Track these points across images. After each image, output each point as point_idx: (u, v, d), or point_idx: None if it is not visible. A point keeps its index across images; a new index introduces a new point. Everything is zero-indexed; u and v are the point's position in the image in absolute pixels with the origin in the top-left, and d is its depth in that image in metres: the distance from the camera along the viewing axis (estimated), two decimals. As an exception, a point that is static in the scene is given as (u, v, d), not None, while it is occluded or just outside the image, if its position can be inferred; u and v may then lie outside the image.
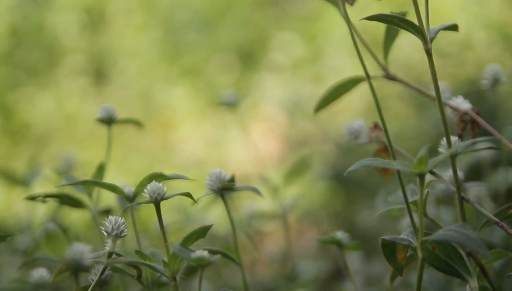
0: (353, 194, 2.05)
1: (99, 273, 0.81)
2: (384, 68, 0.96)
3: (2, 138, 3.13)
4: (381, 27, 0.95)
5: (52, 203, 1.25)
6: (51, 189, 1.25)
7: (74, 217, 1.39)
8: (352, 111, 2.23)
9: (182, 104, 3.16)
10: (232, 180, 0.89)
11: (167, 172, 0.91)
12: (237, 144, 2.69)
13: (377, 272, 1.32)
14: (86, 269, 0.72)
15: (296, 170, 1.35)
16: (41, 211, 1.54)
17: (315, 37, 3.04)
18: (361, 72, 0.95)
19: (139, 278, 0.85)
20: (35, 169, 1.32)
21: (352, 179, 1.95)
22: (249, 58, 3.20)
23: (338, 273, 1.38)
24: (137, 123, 1.05)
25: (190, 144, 2.98)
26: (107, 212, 1.04)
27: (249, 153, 2.40)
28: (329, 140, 2.09)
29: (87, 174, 1.18)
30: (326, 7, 3.15)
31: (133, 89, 3.27)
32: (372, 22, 0.85)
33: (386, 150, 0.95)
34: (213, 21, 3.39)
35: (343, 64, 2.71)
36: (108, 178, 1.11)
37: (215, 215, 1.40)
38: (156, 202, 0.80)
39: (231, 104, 1.26)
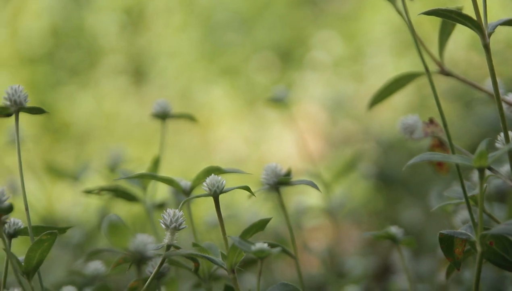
0: (394, 193, 2.04)
1: (158, 265, 0.82)
2: (439, 64, 0.96)
3: (43, 136, 3.17)
4: (422, 25, 0.95)
5: (100, 198, 1.26)
6: (100, 183, 1.26)
7: (121, 212, 1.40)
8: (393, 109, 2.22)
9: (221, 104, 3.18)
10: (288, 174, 0.90)
11: (206, 170, 0.91)
12: (277, 142, 2.69)
13: (424, 269, 1.31)
14: (149, 260, 0.73)
15: (345, 168, 1.35)
16: (89, 205, 1.56)
17: (355, 36, 3.04)
18: (403, 71, 0.95)
19: (196, 270, 0.86)
20: (84, 164, 1.33)
21: (394, 177, 1.94)
22: (288, 57, 3.20)
23: (386, 270, 1.38)
24: (190, 118, 1.06)
25: (229, 143, 2.99)
26: (160, 206, 1.05)
27: (290, 150, 2.40)
28: (371, 138, 2.08)
29: (133, 170, 1.19)
30: (364, 7, 3.15)
31: (172, 88, 3.29)
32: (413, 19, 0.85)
33: (441, 145, 0.95)
34: (251, 21, 3.40)
35: (384, 62, 2.70)
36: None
37: (263, 210, 1.41)
38: (215, 195, 0.81)
39: (280, 100, 1.26)
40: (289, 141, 2.58)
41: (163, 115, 1.01)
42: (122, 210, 1.36)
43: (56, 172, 1.34)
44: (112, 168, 1.27)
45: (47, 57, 3.37)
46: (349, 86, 2.54)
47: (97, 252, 0.74)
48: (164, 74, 3.33)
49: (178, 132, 3.15)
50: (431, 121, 0.93)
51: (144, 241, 0.72)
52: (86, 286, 0.96)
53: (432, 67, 0.98)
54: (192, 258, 0.84)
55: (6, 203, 0.77)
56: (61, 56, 3.41)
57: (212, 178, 0.81)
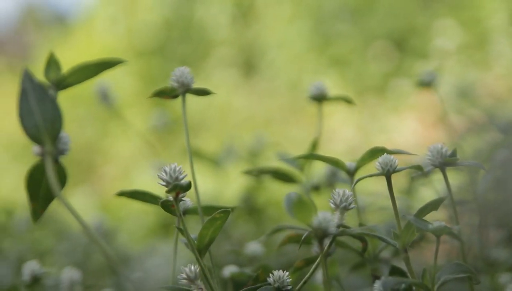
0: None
1: (328, 244, 0.82)
2: None
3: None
4: None
5: (249, 180, 1.28)
6: (238, 167, 1.28)
7: (262, 196, 1.41)
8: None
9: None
10: (453, 154, 0.88)
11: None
12: (394, 132, 2.67)
13: None
14: (330, 237, 0.74)
15: (483, 157, 1.33)
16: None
17: (472, 24, 2.98)
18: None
19: (364, 250, 0.86)
20: (228, 150, 1.35)
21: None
22: (401, 46, 3.17)
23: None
24: (347, 101, 1.06)
25: (341, 134, 2.98)
26: (315, 188, 1.06)
27: (409, 140, 2.38)
28: (497, 128, 2.03)
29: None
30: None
31: (281, 80, 3.31)
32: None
33: None
34: (360, 11, 3.37)
35: (508, 50, 2.64)
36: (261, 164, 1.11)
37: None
38: (388, 174, 0.81)
39: (428, 83, 1.25)
40: (406, 131, 2.55)
41: (320, 98, 1.02)
42: (261, 194, 1.38)
43: (200, 156, 1.36)
44: (255, 152, 1.29)
45: (159, 50, 3.44)
46: (472, 75, 2.48)
47: (280, 229, 0.75)
48: (273, 66, 3.35)
49: (287, 123, 3.16)
50: None
51: (327, 218, 0.73)
52: (245, 266, 0.97)
53: None
54: (360, 237, 0.84)
55: (185, 180, 0.79)
56: (172, 48, 3.47)
57: (385, 157, 0.81)
